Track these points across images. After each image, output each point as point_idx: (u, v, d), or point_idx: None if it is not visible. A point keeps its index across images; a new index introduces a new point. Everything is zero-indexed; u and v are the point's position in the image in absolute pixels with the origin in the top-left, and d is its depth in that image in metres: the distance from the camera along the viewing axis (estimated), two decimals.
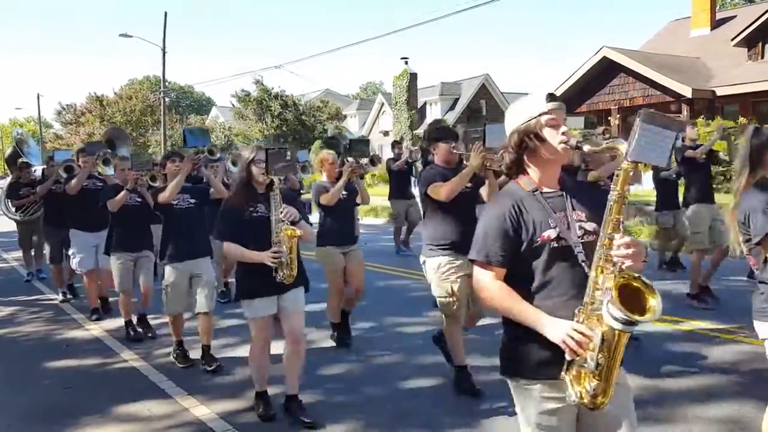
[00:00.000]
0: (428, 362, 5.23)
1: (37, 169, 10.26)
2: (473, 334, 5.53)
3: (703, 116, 18.72)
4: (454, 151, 4.65)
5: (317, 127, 36.41)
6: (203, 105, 69.56)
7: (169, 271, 5.43)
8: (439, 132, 4.87)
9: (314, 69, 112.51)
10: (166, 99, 37.01)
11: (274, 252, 3.94)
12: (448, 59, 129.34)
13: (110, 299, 7.51)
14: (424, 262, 4.68)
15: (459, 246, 4.30)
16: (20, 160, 9.51)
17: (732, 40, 21.24)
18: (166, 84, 36.75)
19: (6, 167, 10.52)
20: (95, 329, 6.84)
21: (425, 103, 37.89)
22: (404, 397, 4.63)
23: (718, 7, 26.96)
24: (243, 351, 5.01)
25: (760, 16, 20.42)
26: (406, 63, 35.26)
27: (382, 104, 41.41)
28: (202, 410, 4.47)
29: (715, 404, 4.17)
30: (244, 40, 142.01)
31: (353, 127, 43.69)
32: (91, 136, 36.06)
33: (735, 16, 24.51)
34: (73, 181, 7.19)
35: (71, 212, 7.35)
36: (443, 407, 4.38)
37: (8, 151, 10.27)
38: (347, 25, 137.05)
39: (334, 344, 5.88)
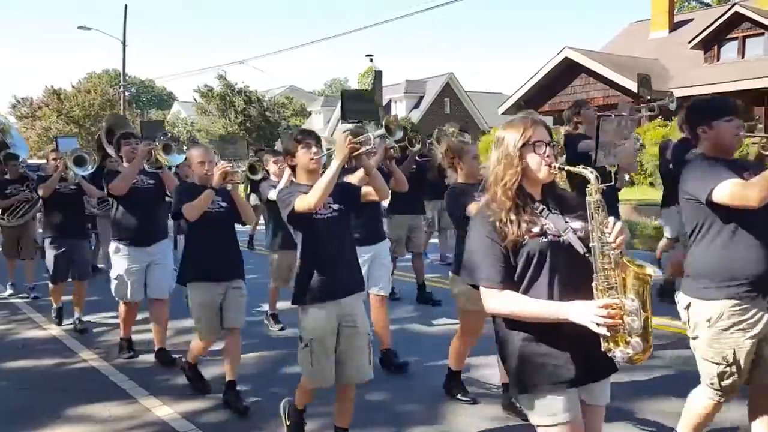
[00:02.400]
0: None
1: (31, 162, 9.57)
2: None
3: (661, 117, 19.15)
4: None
5: (281, 123, 36.17)
6: (164, 100, 68.45)
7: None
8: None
9: (278, 65, 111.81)
10: (126, 93, 36.30)
11: (608, 307, 2.11)
12: (413, 57, 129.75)
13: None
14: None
15: None
16: (4, 152, 8.11)
17: (689, 42, 21.77)
18: (126, 78, 36.05)
19: None
20: (53, 329, 6.68)
21: (390, 101, 37.95)
22: (369, 391, 4.65)
23: (676, 10, 27.57)
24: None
25: (716, 20, 20.97)
26: (371, 60, 35.35)
27: None
28: (164, 410, 4.41)
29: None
30: (207, 35, 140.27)
31: (318, 124, 43.48)
32: (47, 131, 35.12)
33: (692, 19, 25.11)
34: (120, 179, 5.22)
35: (118, 222, 5.48)
36: (408, 402, 4.41)
37: None
38: (312, 20, 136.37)
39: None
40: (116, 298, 5.59)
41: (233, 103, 35.57)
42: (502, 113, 23.56)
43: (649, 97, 6.28)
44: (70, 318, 6.70)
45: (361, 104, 3.91)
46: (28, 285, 8.19)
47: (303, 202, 3.30)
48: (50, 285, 6.71)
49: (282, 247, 5.99)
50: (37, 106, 39.17)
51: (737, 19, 20.67)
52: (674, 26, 25.09)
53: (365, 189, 3.62)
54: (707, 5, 32.51)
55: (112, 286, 5.51)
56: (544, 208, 2.33)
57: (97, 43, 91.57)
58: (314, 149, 3.54)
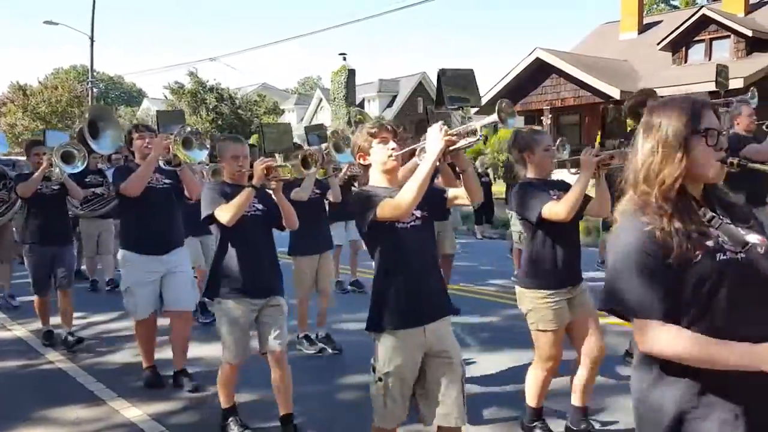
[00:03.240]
0: (364, 356, 5.24)
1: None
2: None
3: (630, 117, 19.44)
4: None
5: (254, 121, 35.92)
6: (134, 96, 67.42)
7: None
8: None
9: (251, 62, 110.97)
10: (94, 90, 35.67)
11: None
12: (386, 57, 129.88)
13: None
14: None
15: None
16: None
17: (658, 44, 22.16)
18: (95, 74, 35.43)
19: None
20: (18, 329, 6.54)
21: (363, 100, 37.94)
22: (340, 391, 4.64)
23: (645, 12, 28.03)
24: (170, 352, 4.86)
25: (684, 23, 21.40)
26: (345, 59, 35.25)
27: (321, 99, 41.24)
28: (132, 412, 4.34)
29: None
30: (177, 31, 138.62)
31: (291, 122, 43.33)
32: (12, 127, 34.33)
33: (661, 21, 25.59)
34: (134, 178, 4.53)
35: (129, 227, 4.85)
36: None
37: None
38: (285, 18, 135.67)
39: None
40: (130, 315, 5.00)
41: (205, 100, 35.22)
42: (475, 113, 23.67)
43: (725, 90, 5.97)
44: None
45: (462, 87, 3.33)
46: (4, 292, 7.55)
47: (389, 208, 2.71)
48: (35, 299, 6.00)
49: (305, 253, 5.55)
50: (2, 102, 38.31)
51: (704, 22, 21.12)
52: (643, 28, 25.53)
53: (452, 192, 3.02)
54: (675, 8, 33.13)
55: (124, 301, 4.82)
56: (714, 216, 1.75)
57: (64, 38, 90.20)
58: (392, 144, 2.94)
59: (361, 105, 37.49)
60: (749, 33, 20.14)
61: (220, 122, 35.03)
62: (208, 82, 35.89)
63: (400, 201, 2.68)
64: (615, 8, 27.14)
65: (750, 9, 22.43)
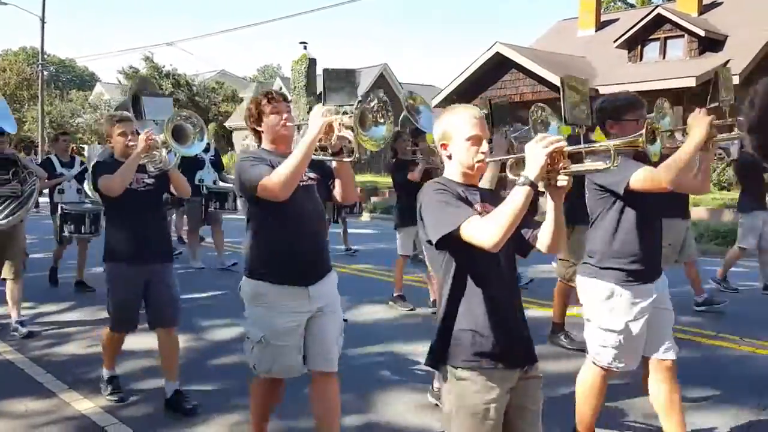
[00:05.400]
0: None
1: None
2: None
3: None
4: None
5: (212, 108, 35.40)
6: (86, 81, 65.51)
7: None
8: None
9: (209, 48, 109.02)
10: (45, 72, 34.61)
11: None
12: (347, 48, 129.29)
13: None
14: None
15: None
16: None
17: (614, 42, 22.58)
18: (45, 57, 34.36)
19: None
20: None
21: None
22: (303, 383, 4.63)
23: (602, 10, 28.52)
24: (126, 342, 4.77)
25: (639, 21, 21.83)
26: (305, 48, 34.88)
27: (281, 88, 40.78)
28: (84, 404, 4.24)
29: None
30: (133, 14, 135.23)
31: None
32: None
33: (618, 19, 26.05)
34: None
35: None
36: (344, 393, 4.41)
37: None
38: (245, 4, 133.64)
39: (233, 335, 5.74)
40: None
41: (161, 86, 34.50)
42: (435, 106, 23.82)
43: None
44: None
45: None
46: (15, 320, 5.89)
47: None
48: (107, 335, 4.38)
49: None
50: None
51: (660, 21, 21.60)
52: (600, 25, 25.97)
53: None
54: (632, 6, 33.82)
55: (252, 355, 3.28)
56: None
57: (13, 19, 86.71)
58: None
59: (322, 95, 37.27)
60: (702, 33, 20.68)
61: (176, 109, 34.45)
62: (164, 68, 35.26)
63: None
64: (573, 5, 27.50)
65: (703, 9, 23.02)
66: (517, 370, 2.32)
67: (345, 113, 2.92)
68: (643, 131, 2.17)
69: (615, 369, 3.32)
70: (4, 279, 5.88)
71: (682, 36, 21.28)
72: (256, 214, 3.11)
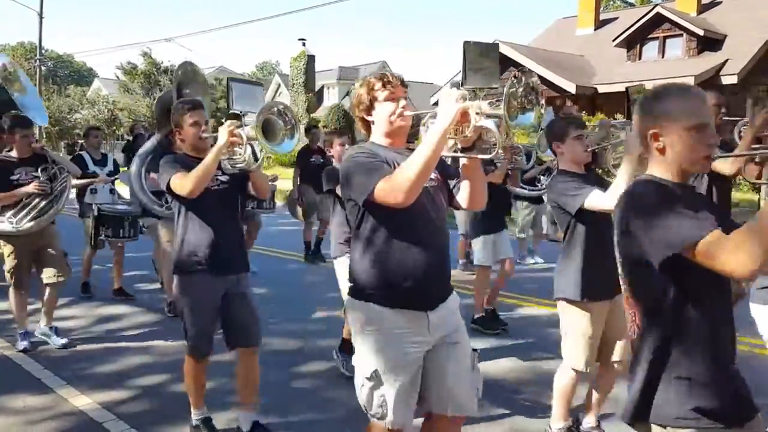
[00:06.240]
0: (323, 345, 5.24)
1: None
2: None
3: (585, 111, 19.83)
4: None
5: (210, 105, 35.34)
6: (84, 76, 65.42)
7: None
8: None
9: (207, 45, 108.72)
10: (43, 68, 34.48)
11: None
12: (346, 45, 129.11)
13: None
14: None
15: None
16: (10, 114, 5.59)
17: (613, 40, 22.60)
18: (43, 52, 34.22)
19: None
20: None
21: (323, 87, 37.64)
22: (295, 379, 4.63)
23: (601, 9, 28.52)
24: (123, 339, 4.78)
25: (638, 20, 21.86)
26: (304, 44, 34.84)
27: (279, 85, 40.73)
28: (82, 400, 4.23)
29: None
30: (132, 9, 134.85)
31: None
32: None
33: (617, 18, 26.07)
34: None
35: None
36: (332, 388, 4.41)
37: None
38: (244, 1, 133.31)
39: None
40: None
41: (159, 82, 34.46)
42: (433, 103, 23.84)
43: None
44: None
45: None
46: (41, 331, 5.44)
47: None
48: (191, 364, 3.70)
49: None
50: None
51: (659, 20, 21.63)
52: (599, 24, 25.98)
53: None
54: (631, 5, 33.83)
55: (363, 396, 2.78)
56: None
57: (11, 13, 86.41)
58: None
59: (321, 92, 37.20)
60: (701, 32, 20.71)
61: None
62: (162, 64, 35.11)
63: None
64: (572, 3, 27.49)
65: (702, 9, 23.05)
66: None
67: (485, 98, 2.49)
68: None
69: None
70: (49, 284, 5.31)
71: (681, 35, 21.31)
72: (367, 222, 2.57)
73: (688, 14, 22.01)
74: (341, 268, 4.31)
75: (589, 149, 3.48)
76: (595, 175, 3.62)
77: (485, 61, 3.29)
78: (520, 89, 2.34)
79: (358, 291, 2.62)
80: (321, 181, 4.71)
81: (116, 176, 7.24)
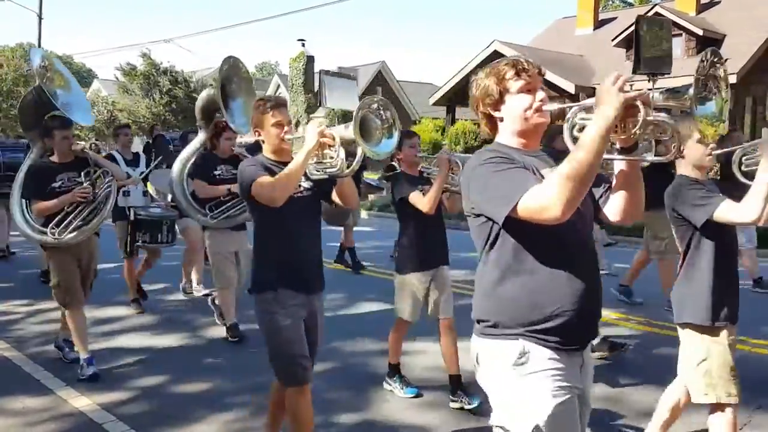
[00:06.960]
0: (323, 346, 5.23)
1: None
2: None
3: None
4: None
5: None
6: (83, 77, 65.27)
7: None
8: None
9: (207, 46, 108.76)
10: None
11: None
12: (345, 46, 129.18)
13: None
14: None
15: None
16: (49, 114, 4.96)
17: (612, 40, 22.59)
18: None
19: (21, 127, 6.23)
20: None
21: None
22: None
23: (600, 9, 28.52)
24: (123, 340, 4.78)
25: None
26: (303, 45, 34.80)
27: (278, 86, 40.70)
28: (82, 401, 4.24)
29: None
30: (131, 10, 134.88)
31: None
32: None
33: (616, 18, 26.06)
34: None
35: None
36: (335, 389, 4.42)
37: (26, 97, 5.66)
38: (243, 1, 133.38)
39: (223, 334, 5.71)
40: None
41: (158, 83, 34.41)
42: (432, 104, 23.89)
43: None
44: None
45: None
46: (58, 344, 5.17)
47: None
48: (289, 406, 3.23)
49: None
50: None
51: None
52: (599, 24, 25.98)
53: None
54: (630, 4, 33.85)
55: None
56: None
57: (10, 14, 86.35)
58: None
59: (320, 92, 37.20)
60: (700, 32, 20.71)
61: (174, 106, 34.28)
62: (161, 65, 35.06)
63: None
64: (572, 3, 27.49)
65: (701, 8, 23.05)
66: None
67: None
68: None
69: None
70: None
71: (680, 35, 21.30)
72: (506, 242, 2.11)
73: (687, 14, 22.01)
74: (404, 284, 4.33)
75: (713, 152, 3.18)
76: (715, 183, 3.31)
77: (663, 43, 2.85)
78: (701, 77, 2.00)
79: (499, 325, 2.11)
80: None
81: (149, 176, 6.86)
